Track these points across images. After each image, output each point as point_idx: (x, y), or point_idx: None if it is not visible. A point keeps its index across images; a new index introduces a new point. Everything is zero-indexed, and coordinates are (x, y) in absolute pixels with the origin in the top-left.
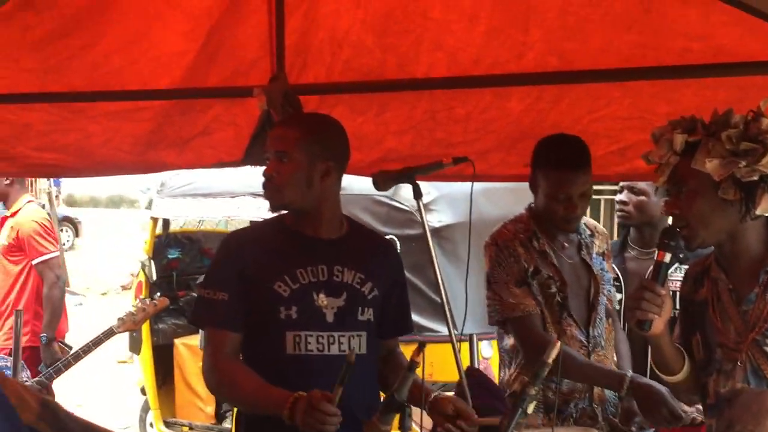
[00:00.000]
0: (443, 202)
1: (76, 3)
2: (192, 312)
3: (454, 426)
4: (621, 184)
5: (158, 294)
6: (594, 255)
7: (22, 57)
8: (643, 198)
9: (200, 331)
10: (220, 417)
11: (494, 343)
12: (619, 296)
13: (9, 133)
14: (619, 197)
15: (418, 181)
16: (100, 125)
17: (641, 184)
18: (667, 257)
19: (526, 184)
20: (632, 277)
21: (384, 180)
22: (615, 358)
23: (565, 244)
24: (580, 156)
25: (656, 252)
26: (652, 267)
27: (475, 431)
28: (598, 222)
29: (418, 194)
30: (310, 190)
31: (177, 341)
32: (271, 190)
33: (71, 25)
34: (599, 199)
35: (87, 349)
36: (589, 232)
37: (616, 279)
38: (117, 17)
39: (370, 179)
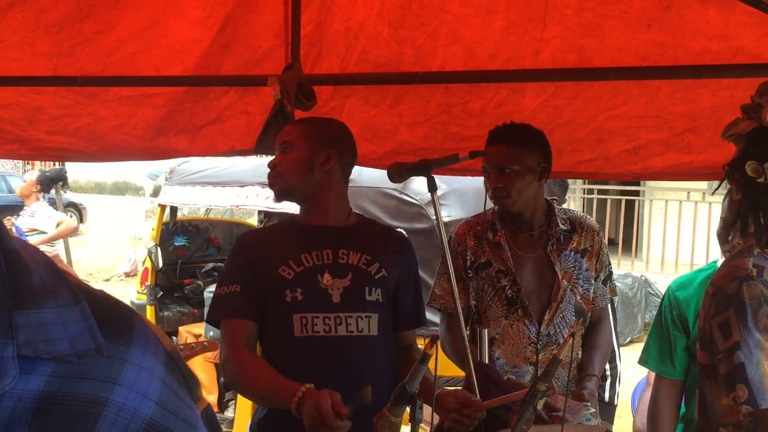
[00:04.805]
0: (453, 196)
1: None
2: (208, 312)
3: (461, 416)
4: None
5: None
6: (567, 251)
7: (36, 40)
8: None
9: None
10: (222, 405)
11: None
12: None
13: (21, 116)
14: None
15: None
16: (113, 110)
17: None
18: None
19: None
20: None
21: (399, 172)
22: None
23: (525, 239)
24: (506, 131)
25: None
26: None
27: (482, 416)
28: (604, 221)
29: (432, 187)
30: (312, 175)
31: (182, 329)
32: (275, 176)
33: (86, 11)
34: (605, 199)
35: None
36: (567, 227)
37: None
38: (131, 3)
39: (378, 172)
